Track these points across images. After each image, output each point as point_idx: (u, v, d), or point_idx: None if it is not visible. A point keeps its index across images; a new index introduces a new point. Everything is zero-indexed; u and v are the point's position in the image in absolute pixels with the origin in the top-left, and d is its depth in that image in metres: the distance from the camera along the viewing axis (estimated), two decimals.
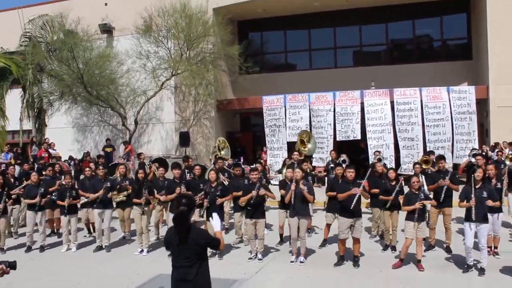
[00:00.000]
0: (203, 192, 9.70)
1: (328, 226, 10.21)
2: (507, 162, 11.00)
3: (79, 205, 10.81)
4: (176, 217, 4.80)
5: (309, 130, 15.76)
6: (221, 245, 5.00)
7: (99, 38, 21.66)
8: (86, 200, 10.66)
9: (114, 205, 10.87)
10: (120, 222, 11.43)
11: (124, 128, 21.67)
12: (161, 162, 13.07)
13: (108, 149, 20.45)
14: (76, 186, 11.28)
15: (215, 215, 5.18)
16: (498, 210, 8.94)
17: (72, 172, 15.48)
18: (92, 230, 11.67)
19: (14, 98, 20.68)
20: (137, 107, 21.20)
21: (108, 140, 21.47)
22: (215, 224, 5.10)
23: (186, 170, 12.00)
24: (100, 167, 11.05)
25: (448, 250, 9.47)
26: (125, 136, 21.93)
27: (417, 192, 8.57)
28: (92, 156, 19.73)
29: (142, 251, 10.11)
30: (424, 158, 11.08)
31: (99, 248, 10.42)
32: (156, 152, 21.89)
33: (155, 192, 10.44)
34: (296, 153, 13.38)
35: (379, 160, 12.05)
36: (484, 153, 15.21)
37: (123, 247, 10.83)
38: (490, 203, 8.02)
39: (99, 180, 10.68)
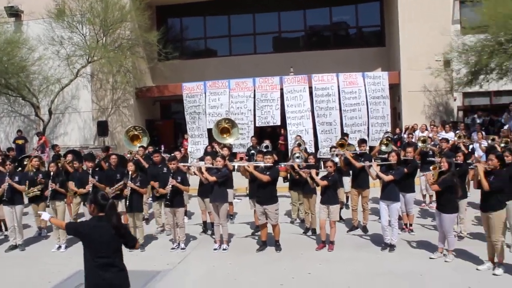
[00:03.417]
0: (121, 183, 9.47)
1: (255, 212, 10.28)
2: (420, 144, 11.59)
3: None
4: (109, 209, 4.68)
5: (229, 118, 15.72)
6: (137, 244, 5.01)
7: (5, 22, 20.34)
8: None
9: (26, 201, 10.33)
10: (35, 218, 10.86)
11: (37, 119, 20.62)
12: (74, 154, 12.50)
13: (20, 141, 19.39)
14: None
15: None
16: (410, 189, 9.46)
17: None
18: (3, 228, 11.00)
19: None
20: (51, 96, 20.22)
21: (20, 131, 20.31)
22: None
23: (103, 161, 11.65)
24: (7, 162, 10.36)
25: (365, 229, 9.87)
26: (38, 127, 20.87)
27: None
28: (3, 149, 18.59)
29: (59, 247, 9.68)
30: (340, 142, 11.42)
31: (13, 247, 9.82)
32: (74, 142, 21.07)
33: (73, 184, 10.03)
34: (215, 144, 13.41)
35: (299, 145, 12.28)
36: (397, 136, 16.05)
37: (39, 244, 10.31)
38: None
39: (5, 175, 9.96)
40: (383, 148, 11.15)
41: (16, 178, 9.88)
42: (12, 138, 20.85)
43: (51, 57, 19.69)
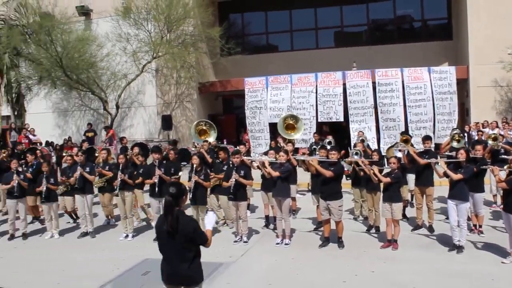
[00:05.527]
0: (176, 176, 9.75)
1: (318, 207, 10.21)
2: (490, 142, 11.10)
3: (59, 192, 10.66)
4: (164, 206, 4.79)
5: (293, 114, 15.67)
6: (208, 242, 4.85)
7: (77, 20, 21.30)
8: (62, 188, 10.56)
9: (96, 191, 10.79)
10: (102, 207, 11.33)
11: (105, 113, 21.44)
12: (141, 146, 12.91)
13: (90, 134, 20.26)
14: (58, 172, 11.11)
15: (210, 213, 5.18)
16: (479, 189, 9.10)
17: (54, 158, 15.30)
18: (75, 217, 11.56)
19: None
20: (118, 90, 21.00)
21: (90, 124, 21.23)
22: (207, 222, 5.01)
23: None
24: (79, 153, 10.88)
25: (430, 229, 9.59)
26: (107, 121, 21.70)
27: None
28: (74, 141, 19.51)
29: (127, 236, 10.06)
30: (404, 138, 11.09)
31: (84, 234, 10.34)
32: (139, 136, 21.76)
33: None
34: (280, 139, 13.42)
35: (362, 141, 12.09)
36: (466, 133, 15.49)
37: (108, 232, 10.78)
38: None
39: (78, 165, 10.40)
40: (455, 144, 10.72)
41: (87, 169, 10.36)
42: (82, 131, 21.83)
43: (118, 53, 20.44)
